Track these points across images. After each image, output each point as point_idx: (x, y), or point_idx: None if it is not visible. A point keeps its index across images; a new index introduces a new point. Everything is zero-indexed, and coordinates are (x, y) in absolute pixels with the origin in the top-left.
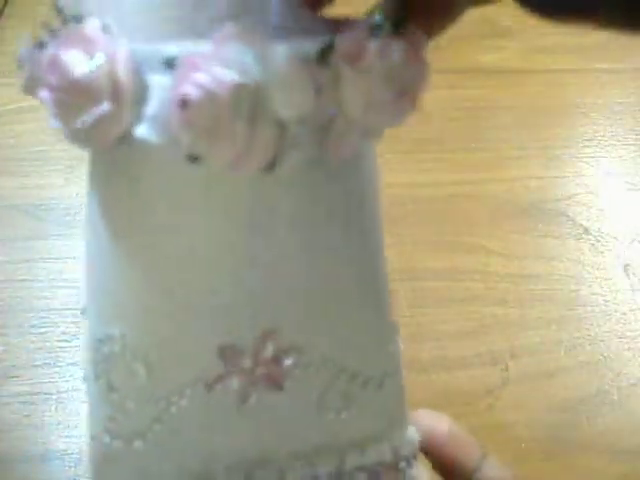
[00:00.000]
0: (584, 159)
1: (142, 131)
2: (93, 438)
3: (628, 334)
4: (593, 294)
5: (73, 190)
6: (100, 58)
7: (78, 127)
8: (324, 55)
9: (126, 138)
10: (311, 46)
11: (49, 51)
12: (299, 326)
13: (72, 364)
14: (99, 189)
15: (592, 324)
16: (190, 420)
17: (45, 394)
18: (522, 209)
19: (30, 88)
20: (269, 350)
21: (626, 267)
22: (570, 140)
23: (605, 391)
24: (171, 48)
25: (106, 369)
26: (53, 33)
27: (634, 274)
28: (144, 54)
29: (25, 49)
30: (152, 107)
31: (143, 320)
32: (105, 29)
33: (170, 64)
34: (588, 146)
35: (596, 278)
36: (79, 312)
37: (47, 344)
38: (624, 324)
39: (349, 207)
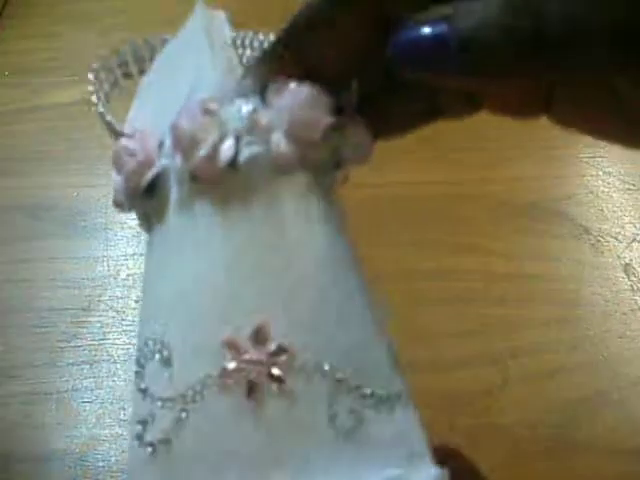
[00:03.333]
0: (584, 159)
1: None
2: (130, 444)
3: (628, 334)
4: (593, 294)
5: (73, 190)
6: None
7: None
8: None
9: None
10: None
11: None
12: (291, 327)
13: (72, 364)
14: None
15: (592, 324)
16: (207, 419)
17: (45, 394)
18: (522, 209)
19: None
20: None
21: (626, 267)
22: (570, 140)
23: (605, 391)
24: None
25: (147, 368)
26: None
27: (634, 274)
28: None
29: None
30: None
31: (174, 318)
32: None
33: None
34: (588, 146)
35: (596, 278)
36: (80, 311)
37: (47, 344)
38: (624, 324)
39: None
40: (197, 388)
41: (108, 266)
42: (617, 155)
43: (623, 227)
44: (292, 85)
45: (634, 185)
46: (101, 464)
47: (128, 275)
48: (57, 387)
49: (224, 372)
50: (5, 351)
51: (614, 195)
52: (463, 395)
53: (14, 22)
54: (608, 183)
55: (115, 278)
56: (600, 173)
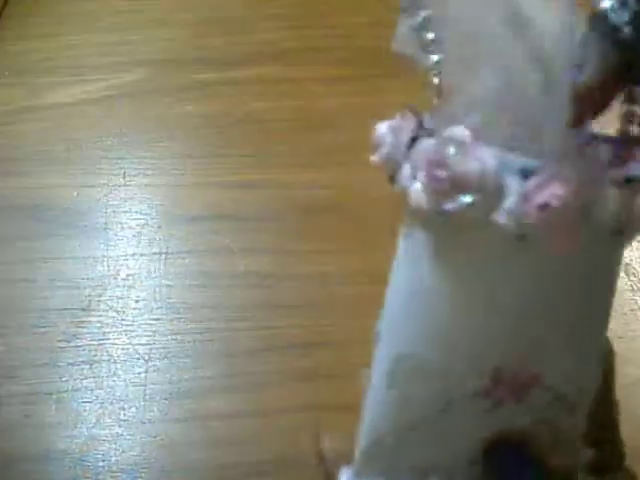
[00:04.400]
0: None
1: (498, 218)
2: (372, 427)
3: (628, 334)
4: None
5: (73, 190)
6: (474, 161)
7: (445, 209)
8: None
9: (470, 220)
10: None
11: (427, 146)
12: (550, 361)
13: (72, 364)
14: (432, 244)
15: None
16: (454, 424)
17: (45, 394)
18: None
19: (389, 166)
20: (521, 377)
21: (626, 267)
22: None
23: None
24: (526, 161)
25: (401, 378)
26: (427, 132)
27: (634, 274)
28: (503, 161)
29: (386, 130)
30: (509, 203)
31: (440, 345)
32: (474, 134)
33: (525, 174)
34: None
35: None
36: (80, 311)
37: (47, 344)
38: (624, 324)
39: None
40: (455, 399)
41: (108, 266)
42: None
43: None
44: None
45: None
46: (101, 464)
47: (128, 275)
48: (57, 387)
49: (488, 394)
50: (5, 351)
51: None
52: None
53: (14, 22)
54: None
55: (115, 278)
56: None
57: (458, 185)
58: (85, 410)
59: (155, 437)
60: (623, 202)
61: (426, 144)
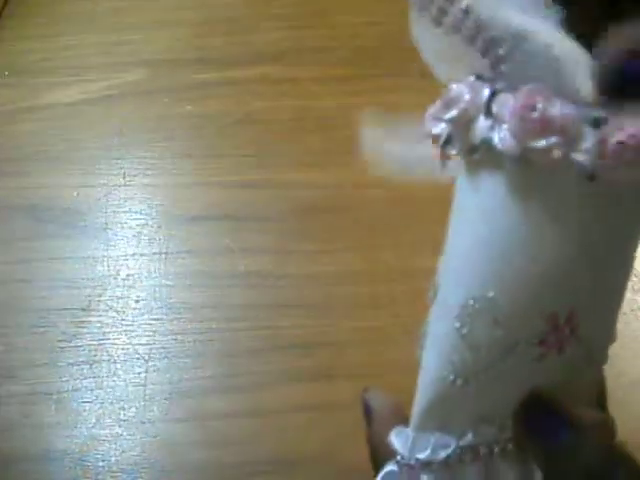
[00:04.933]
0: None
1: (577, 157)
2: (438, 378)
3: (628, 334)
4: None
5: (73, 190)
6: (558, 107)
7: (534, 148)
8: None
9: (556, 163)
10: None
11: (513, 96)
12: (586, 312)
13: (72, 364)
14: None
15: None
16: (509, 371)
17: (45, 394)
18: None
19: (463, 120)
20: (569, 325)
21: None
22: None
23: None
24: (598, 110)
25: (471, 321)
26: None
27: (634, 274)
28: (580, 109)
29: (464, 88)
30: (587, 143)
31: (510, 287)
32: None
33: (597, 123)
34: None
35: None
36: (80, 311)
37: (47, 344)
38: (624, 324)
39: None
40: (516, 346)
41: (108, 266)
42: None
43: None
44: None
45: None
46: (101, 464)
47: (128, 275)
48: (57, 387)
49: (542, 341)
50: (5, 351)
51: None
52: None
53: (14, 22)
54: None
55: (115, 278)
56: None
57: (546, 127)
58: (85, 410)
59: (155, 437)
60: None
61: (510, 96)
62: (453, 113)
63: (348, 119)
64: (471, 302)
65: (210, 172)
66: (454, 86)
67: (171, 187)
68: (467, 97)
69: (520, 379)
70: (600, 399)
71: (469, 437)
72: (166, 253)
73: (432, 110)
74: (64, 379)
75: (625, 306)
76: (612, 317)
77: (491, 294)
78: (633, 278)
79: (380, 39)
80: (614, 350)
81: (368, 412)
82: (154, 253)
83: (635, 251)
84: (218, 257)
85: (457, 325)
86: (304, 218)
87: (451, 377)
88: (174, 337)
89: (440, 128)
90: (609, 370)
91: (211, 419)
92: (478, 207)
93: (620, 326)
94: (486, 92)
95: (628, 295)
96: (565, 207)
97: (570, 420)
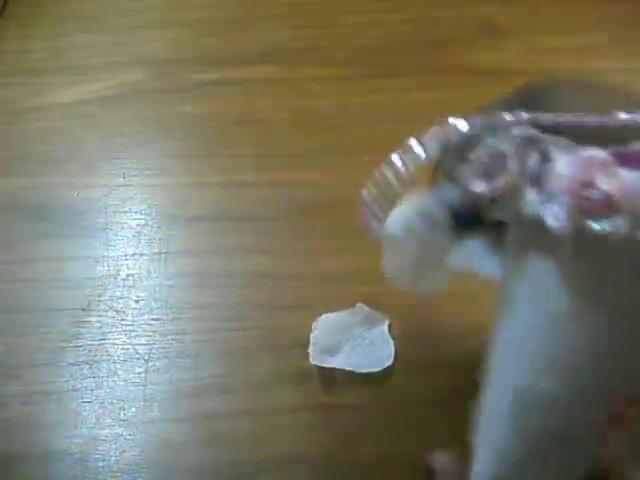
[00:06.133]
0: None
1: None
2: (494, 468)
3: None
4: None
5: (73, 190)
6: (621, 181)
7: (592, 228)
8: None
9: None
10: None
11: (567, 166)
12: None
13: (72, 364)
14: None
15: None
16: (564, 456)
17: (45, 394)
18: None
19: (514, 185)
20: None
21: None
22: None
23: None
24: None
25: (522, 412)
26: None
27: None
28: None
29: (510, 155)
30: None
31: (566, 375)
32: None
33: None
34: None
35: None
36: (80, 311)
37: (47, 344)
38: None
39: None
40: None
41: (108, 266)
42: None
43: None
44: None
45: None
46: (101, 464)
47: (128, 275)
48: (57, 387)
49: (607, 422)
50: (5, 351)
51: None
52: (466, 395)
53: (14, 22)
54: None
55: (115, 278)
56: None
57: (607, 205)
58: (85, 410)
59: (155, 437)
60: None
61: (563, 165)
62: (499, 184)
63: (348, 119)
64: (519, 391)
65: (210, 172)
66: (501, 151)
67: (171, 187)
68: (513, 168)
69: (579, 462)
70: None
71: None
72: (166, 253)
73: (470, 167)
74: (64, 379)
75: None
76: None
77: (542, 383)
78: None
79: (380, 39)
80: None
81: (432, 475)
82: (154, 253)
83: None
84: (218, 257)
85: (510, 413)
86: (304, 218)
87: (505, 463)
88: (174, 337)
89: (481, 187)
90: None
91: (211, 419)
92: (527, 296)
93: None
94: (532, 160)
95: None
96: (624, 285)
97: None
